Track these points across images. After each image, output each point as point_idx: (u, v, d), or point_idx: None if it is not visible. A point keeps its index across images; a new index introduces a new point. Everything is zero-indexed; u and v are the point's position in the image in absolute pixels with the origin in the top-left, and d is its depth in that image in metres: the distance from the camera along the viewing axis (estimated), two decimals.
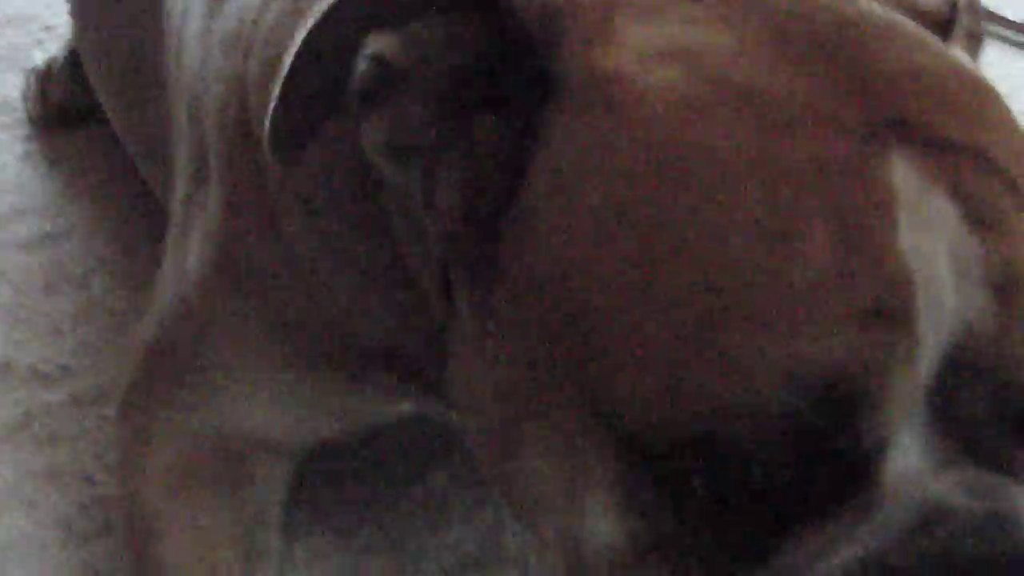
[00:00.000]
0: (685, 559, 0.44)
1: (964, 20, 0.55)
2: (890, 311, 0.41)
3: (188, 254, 0.70)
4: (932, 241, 0.42)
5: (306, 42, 0.49)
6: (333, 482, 0.81)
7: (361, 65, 0.49)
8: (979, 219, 0.43)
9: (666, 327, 0.42)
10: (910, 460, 0.43)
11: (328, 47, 0.49)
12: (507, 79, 0.49)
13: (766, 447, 0.41)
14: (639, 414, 0.43)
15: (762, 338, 0.40)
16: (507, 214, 0.48)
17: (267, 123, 0.50)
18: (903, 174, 0.43)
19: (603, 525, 0.45)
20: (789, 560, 0.43)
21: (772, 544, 0.43)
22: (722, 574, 0.44)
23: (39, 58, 1.28)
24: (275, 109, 0.50)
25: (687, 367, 0.41)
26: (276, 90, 0.50)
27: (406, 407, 0.72)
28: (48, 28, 1.43)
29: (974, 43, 0.57)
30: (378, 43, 0.49)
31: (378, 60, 0.48)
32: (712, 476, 0.43)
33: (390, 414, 0.74)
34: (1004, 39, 1.42)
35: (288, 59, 0.49)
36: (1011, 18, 1.44)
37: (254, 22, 0.64)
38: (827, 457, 0.42)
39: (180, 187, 0.74)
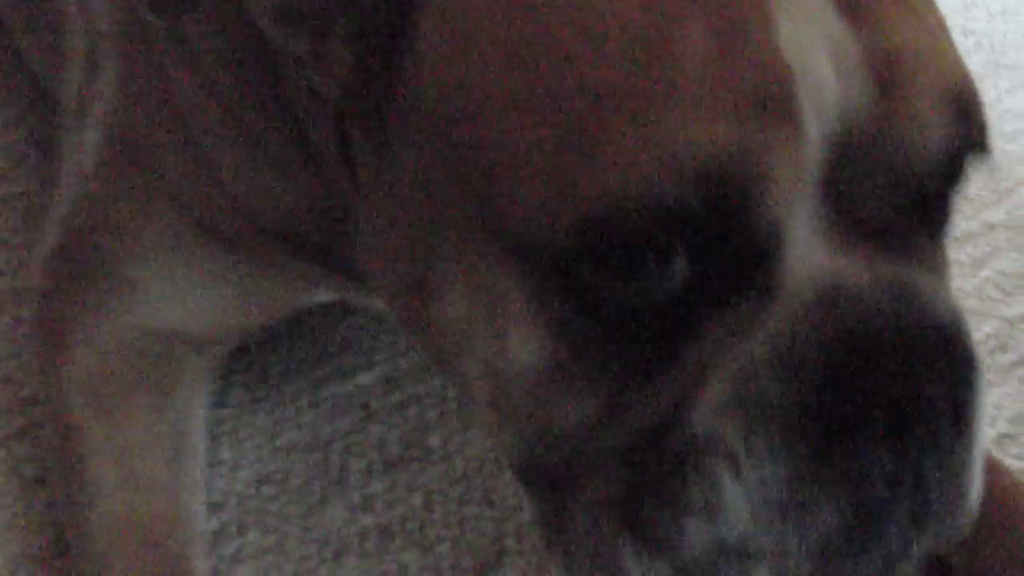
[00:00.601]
0: (603, 366, 0.46)
1: None
2: (770, 101, 0.42)
3: (84, 144, 0.69)
4: (809, 33, 0.44)
5: None
6: (257, 383, 0.81)
7: None
8: (853, 9, 0.45)
9: (550, 131, 0.43)
10: (808, 246, 0.44)
11: None
12: None
13: (656, 238, 0.43)
14: (535, 219, 0.44)
15: (642, 130, 0.42)
16: (397, 60, 0.49)
17: None
18: None
19: (523, 348, 0.47)
20: (696, 353, 0.45)
21: (680, 340, 0.45)
22: (637, 375, 0.46)
23: None
24: None
25: (572, 166, 0.43)
26: None
27: (324, 293, 0.72)
28: None
29: None
30: None
31: None
32: (611, 275, 0.44)
33: (308, 301, 0.74)
34: None
35: None
36: None
37: None
38: (721, 246, 0.43)
39: (74, 80, 0.72)
